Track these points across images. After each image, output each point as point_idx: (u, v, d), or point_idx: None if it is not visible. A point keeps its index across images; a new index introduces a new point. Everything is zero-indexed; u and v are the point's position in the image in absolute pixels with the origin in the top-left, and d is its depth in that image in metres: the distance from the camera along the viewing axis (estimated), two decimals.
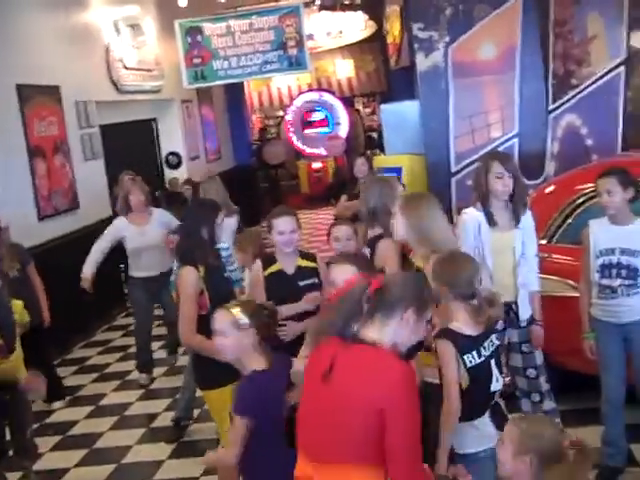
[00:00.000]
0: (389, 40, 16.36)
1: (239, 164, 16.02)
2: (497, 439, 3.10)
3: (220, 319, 3.42)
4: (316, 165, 18.19)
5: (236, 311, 3.41)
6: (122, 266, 10.12)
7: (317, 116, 19.39)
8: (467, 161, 9.23)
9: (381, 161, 10.11)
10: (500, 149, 8.94)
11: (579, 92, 8.75)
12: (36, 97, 8.60)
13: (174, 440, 6.02)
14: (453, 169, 9.30)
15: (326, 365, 2.80)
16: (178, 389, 7.01)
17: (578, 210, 5.42)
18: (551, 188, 6.22)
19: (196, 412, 6.27)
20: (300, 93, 20.21)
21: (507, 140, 9.11)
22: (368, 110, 21.16)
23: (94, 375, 7.85)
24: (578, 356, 4.74)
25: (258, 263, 4.59)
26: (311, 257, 4.67)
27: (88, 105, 9.83)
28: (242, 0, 13.74)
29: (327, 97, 19.58)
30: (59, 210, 8.82)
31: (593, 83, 8.57)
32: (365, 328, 2.86)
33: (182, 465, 5.61)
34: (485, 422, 3.52)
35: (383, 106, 11.18)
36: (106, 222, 9.72)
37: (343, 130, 19.21)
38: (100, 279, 9.32)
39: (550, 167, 8.84)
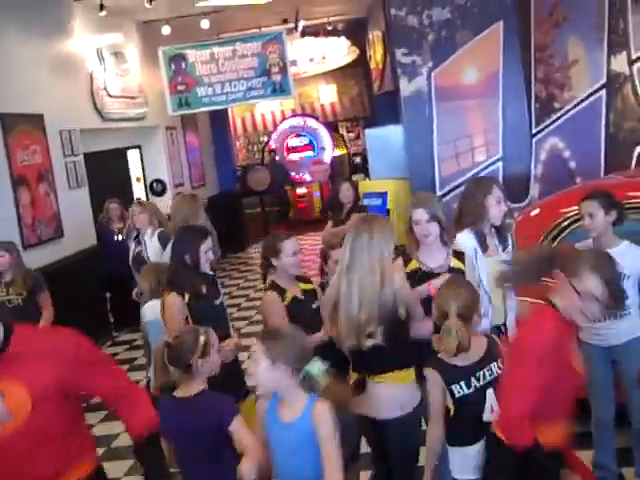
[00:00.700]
0: (372, 65, 16.47)
1: (223, 190, 16.01)
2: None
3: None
4: (300, 191, 18.23)
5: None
6: (108, 294, 10.15)
7: (301, 141, 19.44)
8: (452, 185, 9.27)
9: (366, 186, 10.14)
10: (485, 173, 8.99)
11: (561, 115, 8.81)
12: (19, 126, 8.57)
13: None
14: (438, 193, 9.32)
15: None
16: None
17: (563, 233, 5.42)
18: (536, 211, 6.23)
19: None
20: (284, 119, 20.28)
21: (491, 164, 9.16)
22: (352, 135, 21.25)
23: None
24: None
25: (273, 294, 4.41)
26: (307, 280, 4.66)
27: (72, 133, 9.81)
28: (225, 27, 13.80)
29: (311, 122, 19.65)
30: (43, 239, 8.77)
31: (575, 106, 8.63)
32: None
33: None
34: (474, 452, 3.51)
35: (367, 131, 11.22)
36: (91, 250, 9.74)
37: (327, 155, 19.27)
38: (86, 309, 9.31)
39: (534, 190, 8.89)
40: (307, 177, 18.27)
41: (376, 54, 15.73)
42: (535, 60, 9.05)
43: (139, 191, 13.26)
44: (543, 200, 6.83)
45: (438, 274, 4.23)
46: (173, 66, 11.66)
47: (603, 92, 8.15)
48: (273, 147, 18.96)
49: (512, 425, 3.15)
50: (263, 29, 13.83)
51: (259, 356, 3.19)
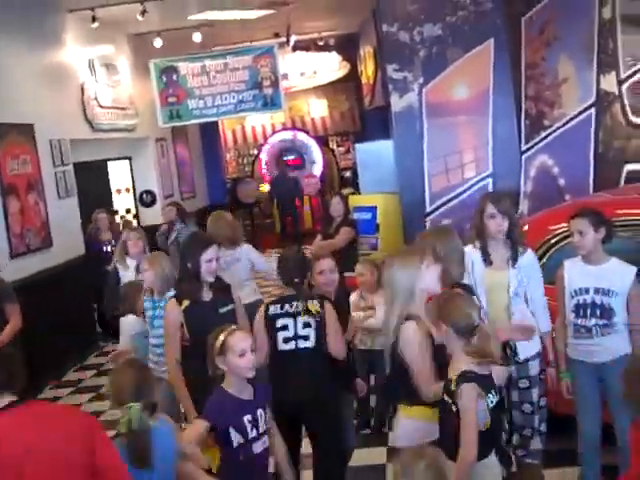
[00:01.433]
0: (363, 80, 16.56)
1: (213, 202, 16.01)
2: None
3: (246, 336, 3.73)
4: None
5: None
6: (95, 306, 10.11)
7: (291, 155, 19.45)
8: (442, 200, 9.31)
9: (356, 200, 10.15)
10: (474, 189, 9.04)
11: (551, 133, 8.87)
12: (9, 135, 8.55)
13: None
14: (428, 209, 9.38)
15: None
16: None
17: (552, 250, 5.44)
18: (525, 228, 6.26)
19: None
20: (274, 132, 20.31)
21: (481, 180, 9.22)
22: (342, 149, 21.29)
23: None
24: (555, 396, 4.75)
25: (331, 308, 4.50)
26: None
27: (62, 143, 9.80)
28: (217, 40, 13.84)
29: (301, 136, 19.68)
30: (32, 248, 8.73)
31: (565, 124, 8.69)
32: None
33: None
34: (494, 461, 3.53)
35: (358, 145, 11.27)
36: (79, 260, 9.71)
37: (317, 169, 19.30)
38: (73, 319, 9.28)
39: (524, 206, 8.93)
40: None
41: (367, 69, 15.81)
42: (525, 78, 9.12)
43: (128, 202, 13.24)
44: (532, 217, 6.86)
45: None
46: (164, 78, 11.67)
47: (592, 110, 8.22)
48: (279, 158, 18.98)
49: None
50: (255, 43, 13.88)
51: None
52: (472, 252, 4.66)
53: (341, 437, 4.67)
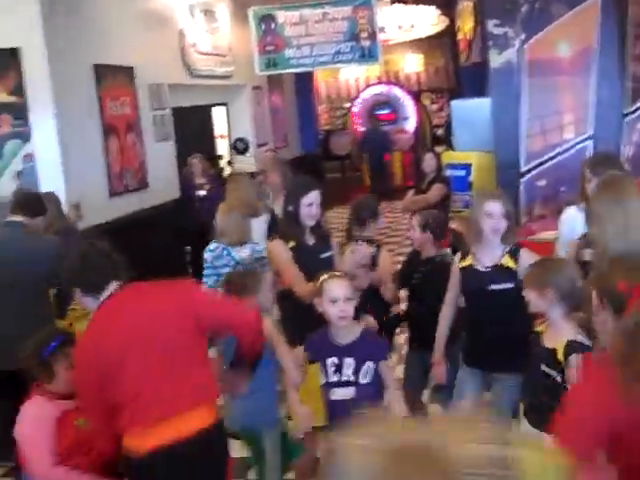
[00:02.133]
0: (460, 36, 16.22)
1: (306, 153, 16.08)
2: None
3: (344, 285, 3.67)
4: None
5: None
6: (188, 248, 10.32)
7: (385, 110, 19.30)
8: (537, 161, 9.13)
9: (450, 157, 10.05)
10: (573, 150, 8.83)
11: None
12: (111, 77, 8.74)
13: None
14: (522, 169, 9.20)
15: None
16: None
17: None
18: None
19: None
20: (368, 85, 20.17)
21: (580, 142, 8.98)
22: (435, 106, 21.01)
23: None
24: None
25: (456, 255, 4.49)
26: None
27: (161, 87, 9.96)
28: None
29: (396, 91, 19.49)
30: (129, 188, 8.96)
31: None
32: None
33: None
34: None
35: (454, 102, 11.12)
36: (173, 203, 9.92)
37: (410, 124, 19.11)
38: (166, 260, 9.51)
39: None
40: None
41: (465, 25, 15.48)
42: (633, 37, 8.79)
43: (223, 148, 13.41)
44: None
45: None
46: (263, 26, 11.67)
47: None
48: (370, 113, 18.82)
49: None
50: None
51: None
52: (577, 214, 4.51)
53: None
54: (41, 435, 3.19)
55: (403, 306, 5.14)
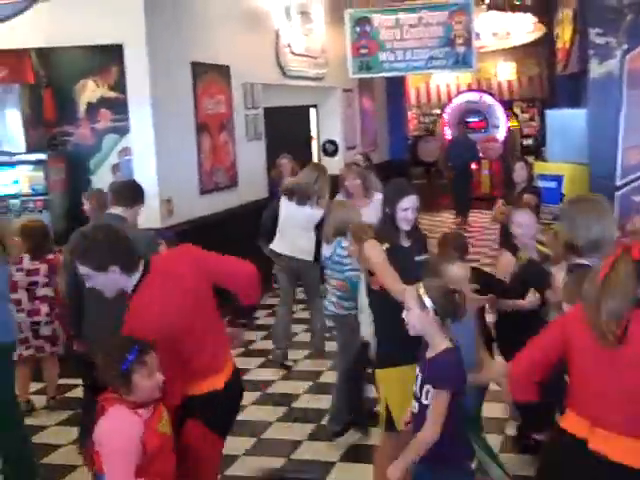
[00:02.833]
0: (558, 45, 15.91)
1: (393, 158, 16.02)
2: None
3: (409, 294, 3.59)
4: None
5: (422, 291, 3.55)
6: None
7: (475, 117, 19.08)
8: (634, 175, 8.87)
9: (542, 167, 9.86)
10: None
11: None
12: (207, 75, 8.87)
13: (310, 422, 6.09)
14: (618, 183, 8.95)
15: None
16: (319, 373, 7.14)
17: None
18: None
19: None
20: (459, 92, 19.98)
21: None
22: (526, 115, 20.66)
23: (240, 350, 8.04)
24: None
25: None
26: None
27: (255, 86, 10.06)
28: None
29: (487, 98, 19.25)
30: (219, 186, 9.07)
31: None
32: None
33: (320, 448, 5.70)
34: None
35: (548, 112, 10.90)
36: (262, 203, 9.98)
37: (501, 133, 18.85)
38: (251, 259, 9.57)
39: None
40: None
41: (564, 33, 15.18)
42: None
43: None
44: None
45: None
46: (358, 29, 11.70)
47: None
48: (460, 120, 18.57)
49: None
50: None
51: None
52: None
53: None
54: (130, 449, 3.17)
55: None
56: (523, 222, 5.15)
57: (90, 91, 8.19)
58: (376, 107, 15.46)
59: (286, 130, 11.74)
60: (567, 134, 9.82)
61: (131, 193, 5.25)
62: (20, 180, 7.96)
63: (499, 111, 19.00)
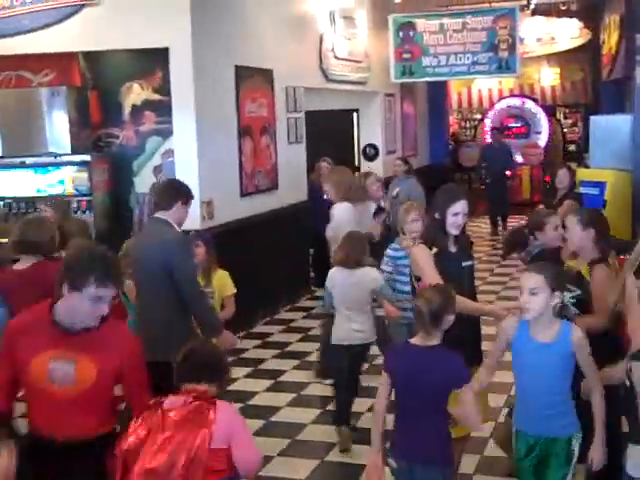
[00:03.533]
0: (604, 50, 15.76)
1: (434, 162, 15.98)
2: None
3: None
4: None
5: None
6: (312, 250, 10.43)
7: (517, 123, 18.94)
8: None
9: (584, 174, 9.78)
10: None
11: None
12: (251, 79, 8.92)
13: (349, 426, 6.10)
14: None
15: None
16: None
17: None
18: None
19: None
20: (502, 98, 19.87)
21: None
22: (569, 121, 20.46)
23: (276, 351, 8.09)
24: None
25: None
26: None
27: (297, 90, 10.11)
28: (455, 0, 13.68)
29: (529, 104, 19.11)
30: (260, 189, 9.13)
31: None
32: None
33: (354, 451, 5.69)
34: None
35: (593, 118, 10.79)
36: (301, 205, 10.05)
37: (542, 139, 18.70)
38: (290, 261, 9.65)
39: None
40: (519, 159, 17.78)
41: (611, 39, 15.03)
42: None
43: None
44: None
45: None
46: (401, 34, 11.72)
47: None
48: (497, 126, 18.35)
49: None
50: (494, 4, 13.58)
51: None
52: None
53: None
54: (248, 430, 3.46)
55: None
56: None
57: (135, 94, 8.31)
58: (417, 112, 15.44)
59: (328, 133, 11.78)
60: (611, 140, 9.74)
61: (166, 195, 5.09)
62: (65, 180, 8.10)
63: (541, 117, 18.86)
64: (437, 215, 4.47)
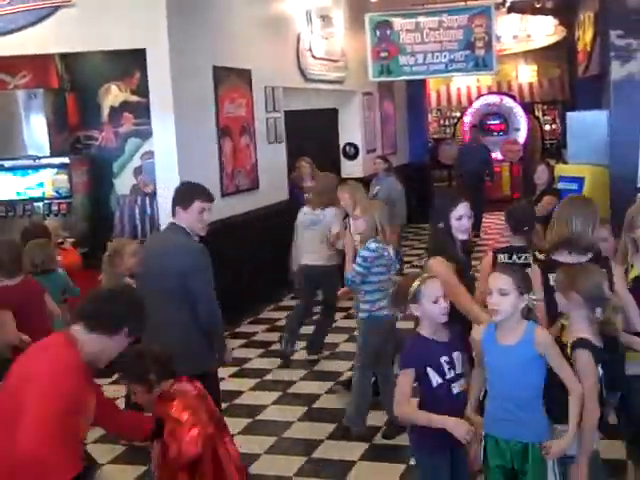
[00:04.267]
0: (579, 47, 15.87)
1: (413, 160, 16.04)
2: None
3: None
4: None
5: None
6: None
7: (496, 120, 19.05)
8: None
9: (563, 170, 9.85)
10: None
11: None
12: (229, 79, 8.94)
13: (331, 422, 6.13)
14: (639, 184, 8.93)
15: None
16: (339, 374, 7.17)
17: None
18: None
19: None
20: (480, 95, 19.98)
21: None
22: (548, 118, 20.60)
23: (260, 350, 8.10)
24: None
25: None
26: None
27: (276, 90, 10.13)
28: None
29: (507, 101, 19.23)
30: (240, 189, 9.14)
31: None
32: None
33: (342, 448, 5.73)
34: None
35: (569, 114, 10.88)
36: (282, 205, 10.06)
37: (521, 136, 18.82)
38: (272, 260, 9.65)
39: None
40: (499, 156, 17.89)
41: (585, 35, 15.13)
42: None
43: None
44: None
45: None
46: (378, 32, 11.76)
47: None
48: (475, 124, 18.39)
49: None
50: (470, 2, 13.65)
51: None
52: None
53: None
54: None
55: None
56: None
57: (113, 95, 8.32)
58: (396, 110, 15.48)
59: (310, 133, 11.80)
60: (588, 136, 9.81)
61: (173, 201, 4.81)
62: (45, 183, 8.08)
63: (520, 114, 18.98)
64: (441, 224, 4.33)
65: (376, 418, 6.00)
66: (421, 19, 11.77)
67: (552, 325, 3.94)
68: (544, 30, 17.96)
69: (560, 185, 9.13)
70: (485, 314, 3.91)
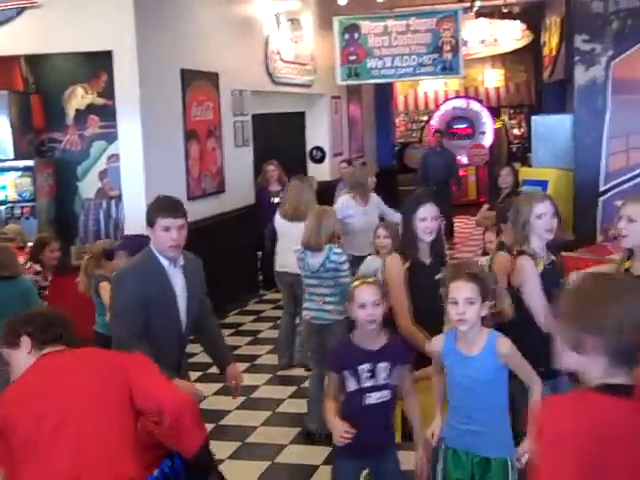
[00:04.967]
0: (545, 52, 16.04)
1: (380, 164, 16.05)
2: None
3: (372, 290, 3.73)
4: None
5: None
6: (259, 253, 10.43)
7: (462, 124, 19.17)
8: (617, 181, 8.96)
9: (526, 173, 9.93)
10: None
11: None
12: (197, 82, 8.90)
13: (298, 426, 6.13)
14: (602, 188, 9.05)
15: None
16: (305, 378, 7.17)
17: None
18: None
19: None
20: (447, 99, 20.09)
21: None
22: (514, 122, 20.79)
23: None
24: None
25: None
26: None
27: (243, 93, 10.11)
28: (400, 1, 13.78)
29: (474, 105, 19.36)
30: (207, 192, 9.11)
31: None
32: None
33: (306, 451, 5.73)
34: None
35: (534, 117, 10.98)
36: (248, 209, 10.04)
37: (487, 140, 18.96)
38: (238, 265, 9.63)
39: None
40: (464, 160, 18.01)
41: (551, 40, 15.30)
42: None
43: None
44: None
45: None
46: (346, 36, 11.79)
47: None
48: (439, 128, 18.39)
49: None
50: (437, 6, 13.74)
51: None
52: None
53: None
54: None
55: None
56: None
57: (79, 98, 8.24)
58: (364, 114, 15.52)
59: (278, 136, 11.80)
60: (552, 140, 9.90)
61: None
62: (8, 186, 7.99)
63: (486, 118, 19.12)
64: (407, 225, 4.31)
65: None
66: (389, 22, 11.83)
67: None
68: (511, 35, 18.14)
69: (524, 188, 9.20)
70: (412, 326, 4.12)
